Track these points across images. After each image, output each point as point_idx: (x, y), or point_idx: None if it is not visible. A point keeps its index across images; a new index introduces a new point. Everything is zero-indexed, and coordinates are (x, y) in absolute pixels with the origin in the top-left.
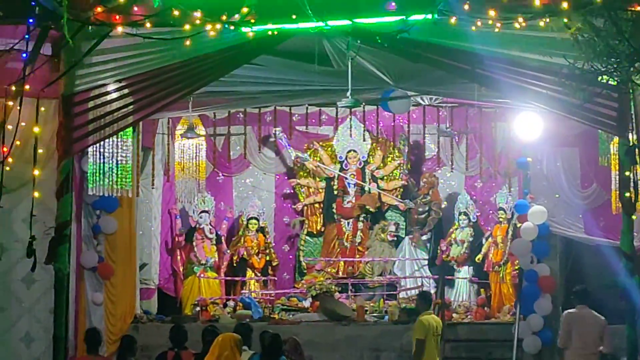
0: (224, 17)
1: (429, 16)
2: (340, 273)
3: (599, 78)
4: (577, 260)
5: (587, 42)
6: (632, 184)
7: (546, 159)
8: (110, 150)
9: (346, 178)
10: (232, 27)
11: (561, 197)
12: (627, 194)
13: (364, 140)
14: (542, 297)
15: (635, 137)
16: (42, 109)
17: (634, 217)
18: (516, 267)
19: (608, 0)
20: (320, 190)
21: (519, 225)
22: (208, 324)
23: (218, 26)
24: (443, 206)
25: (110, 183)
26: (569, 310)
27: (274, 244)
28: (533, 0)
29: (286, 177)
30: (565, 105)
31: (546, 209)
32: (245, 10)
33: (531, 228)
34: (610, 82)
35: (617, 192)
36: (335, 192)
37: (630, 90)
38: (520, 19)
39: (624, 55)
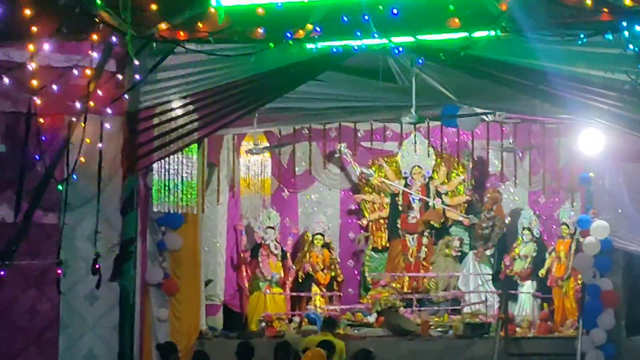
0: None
1: (492, 33)
2: (405, 288)
3: None
4: None
5: None
6: None
7: (609, 175)
8: (175, 167)
9: (411, 194)
10: (296, 44)
11: (623, 212)
12: None
13: (428, 156)
14: (604, 312)
15: None
16: (107, 126)
17: None
18: (579, 282)
19: None
20: (385, 205)
21: (581, 240)
22: (280, 339)
23: (282, 42)
24: (507, 221)
25: (175, 200)
26: None
27: (339, 260)
28: (595, 17)
29: (351, 193)
30: (628, 120)
31: (609, 224)
32: (309, 26)
33: (594, 243)
34: None
35: None
36: (400, 208)
37: None
38: (582, 35)
39: None
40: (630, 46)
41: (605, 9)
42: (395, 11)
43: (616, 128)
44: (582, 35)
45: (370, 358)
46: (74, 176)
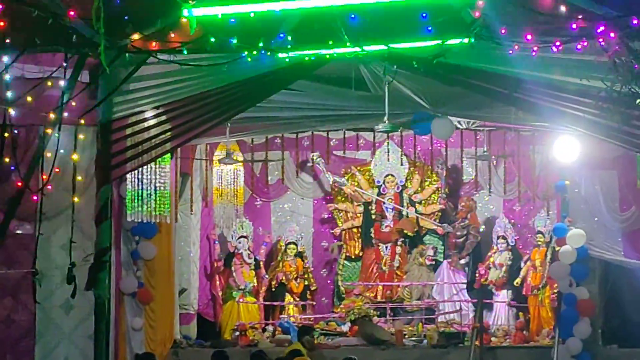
0: (261, 44)
1: (466, 40)
2: (379, 297)
3: (638, 101)
4: (616, 283)
5: (625, 64)
6: None
7: (584, 182)
8: (149, 177)
9: (384, 202)
10: (269, 53)
11: (600, 221)
12: None
13: (402, 164)
14: (581, 321)
15: None
16: (81, 136)
17: None
18: (555, 291)
19: None
20: (358, 214)
21: (557, 248)
22: (255, 348)
23: (255, 52)
24: (481, 230)
25: (149, 209)
26: None
27: (312, 269)
28: (570, 23)
29: (324, 202)
30: (603, 128)
31: (585, 232)
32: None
33: (570, 251)
34: None
35: None
36: (373, 217)
37: None
38: (557, 43)
39: None
40: (606, 54)
41: (580, 16)
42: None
43: (592, 135)
44: (557, 43)
45: None
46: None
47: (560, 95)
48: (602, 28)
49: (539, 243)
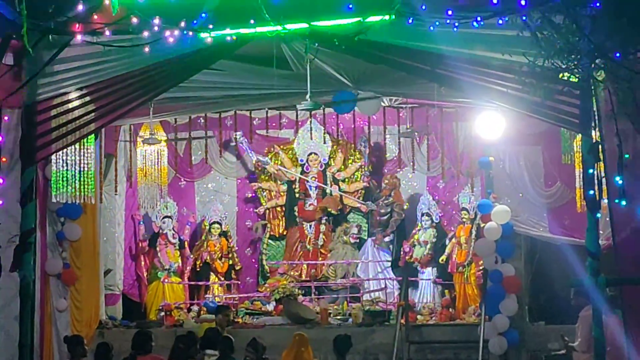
0: (183, 23)
1: (387, 17)
2: (303, 276)
3: (560, 75)
4: (542, 259)
5: (547, 39)
6: (596, 182)
7: (509, 158)
8: (73, 158)
9: (307, 181)
10: (190, 33)
11: (525, 197)
12: (592, 192)
13: (325, 142)
14: (507, 298)
15: (598, 134)
16: (5, 118)
17: (598, 215)
18: (480, 268)
19: None
20: (282, 193)
21: (482, 225)
22: (180, 328)
23: (177, 32)
24: (405, 207)
25: (74, 190)
26: (588, 311)
27: (236, 248)
28: None
29: (248, 181)
30: (527, 103)
31: (510, 208)
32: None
33: (495, 228)
34: (571, 79)
35: (581, 190)
36: (297, 195)
37: (592, 87)
38: (479, 18)
39: (585, 52)
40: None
41: None
42: None
43: (515, 111)
44: (478, 18)
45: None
46: None
47: (483, 70)
48: (523, 2)
49: (464, 220)
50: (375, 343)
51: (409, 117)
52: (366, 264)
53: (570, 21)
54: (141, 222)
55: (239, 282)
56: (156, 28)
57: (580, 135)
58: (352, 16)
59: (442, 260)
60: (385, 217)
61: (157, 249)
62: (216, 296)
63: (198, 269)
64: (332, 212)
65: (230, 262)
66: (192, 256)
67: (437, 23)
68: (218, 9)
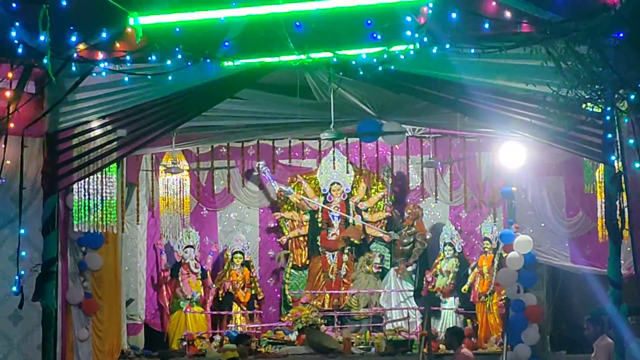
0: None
1: (411, 47)
2: (326, 306)
3: (583, 105)
4: (564, 289)
5: (571, 69)
6: (618, 212)
7: (531, 188)
8: (95, 187)
9: (330, 211)
10: (213, 62)
11: (547, 226)
12: (614, 221)
13: (347, 172)
14: (529, 327)
15: (620, 164)
16: (27, 146)
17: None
18: (503, 297)
19: (591, 27)
20: (305, 223)
21: (504, 255)
22: (202, 358)
23: (200, 61)
24: (428, 237)
25: (95, 219)
26: (604, 340)
27: (259, 278)
28: (515, 29)
29: (270, 211)
30: (550, 133)
31: (532, 238)
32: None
33: (517, 258)
34: (594, 110)
35: (603, 219)
36: (320, 225)
37: (615, 117)
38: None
39: (608, 82)
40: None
41: (525, 21)
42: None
43: (538, 141)
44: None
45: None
46: None
47: (506, 100)
48: (548, 33)
49: (486, 249)
50: None
51: (432, 146)
52: (389, 293)
53: (594, 51)
54: (163, 252)
55: (262, 312)
56: (179, 56)
57: (602, 165)
58: (376, 45)
59: (465, 289)
60: (408, 247)
61: (180, 278)
62: (239, 326)
63: (220, 299)
64: (355, 241)
65: (253, 292)
66: (214, 286)
67: (462, 53)
68: (241, 38)
